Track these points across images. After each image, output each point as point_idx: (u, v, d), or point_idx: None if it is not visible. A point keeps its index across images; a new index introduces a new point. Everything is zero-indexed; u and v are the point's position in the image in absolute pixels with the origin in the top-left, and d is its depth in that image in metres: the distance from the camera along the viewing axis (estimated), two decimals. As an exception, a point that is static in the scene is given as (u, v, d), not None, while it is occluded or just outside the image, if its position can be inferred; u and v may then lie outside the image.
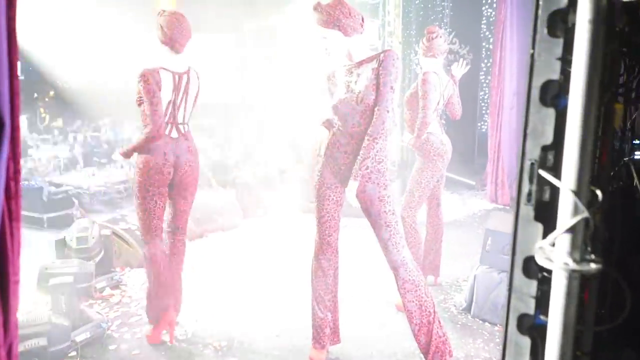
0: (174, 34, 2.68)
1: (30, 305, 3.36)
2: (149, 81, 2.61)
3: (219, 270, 4.24)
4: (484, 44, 9.35)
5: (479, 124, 9.50)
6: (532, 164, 0.95)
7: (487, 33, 9.01)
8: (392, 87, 2.38)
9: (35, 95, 13.00)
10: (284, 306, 3.52)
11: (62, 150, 10.48)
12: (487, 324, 3.25)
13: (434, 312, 2.60)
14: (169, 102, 2.73)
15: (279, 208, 6.26)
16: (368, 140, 2.40)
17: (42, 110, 13.29)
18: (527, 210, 0.97)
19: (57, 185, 8.81)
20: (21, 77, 10.33)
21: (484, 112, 9.51)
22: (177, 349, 2.96)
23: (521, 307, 0.99)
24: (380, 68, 2.36)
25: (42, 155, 9.72)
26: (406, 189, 3.67)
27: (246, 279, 4.02)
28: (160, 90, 2.66)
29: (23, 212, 5.68)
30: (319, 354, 2.79)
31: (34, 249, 4.89)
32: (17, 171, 0.91)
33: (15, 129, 0.90)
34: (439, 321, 2.62)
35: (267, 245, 4.87)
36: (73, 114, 11.22)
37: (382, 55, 2.38)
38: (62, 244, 3.69)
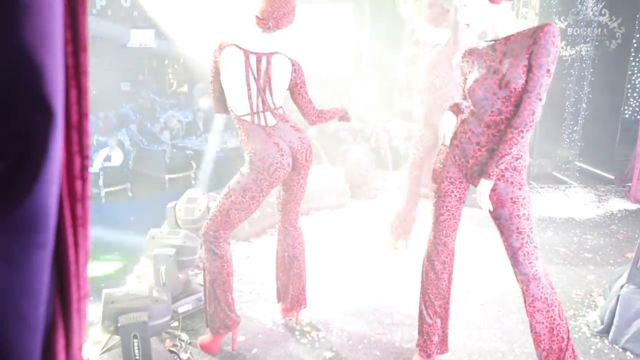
0: (276, 14, 2.35)
1: (140, 272, 3.48)
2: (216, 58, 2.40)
3: (323, 251, 4.09)
4: (639, 15, 8.05)
5: (623, 109, 8.31)
6: None
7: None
8: (548, 71, 1.93)
9: (166, 61, 13.84)
10: (391, 300, 3.27)
11: (186, 115, 11.09)
12: (629, 354, 2.73)
13: (568, 338, 2.19)
14: (248, 86, 2.41)
15: (390, 189, 5.96)
16: (512, 132, 1.99)
17: (170, 76, 14.17)
18: None
19: (179, 148, 9.36)
20: (153, 45, 11.02)
21: (629, 95, 8.31)
22: (273, 333, 2.87)
23: None
24: (536, 46, 1.92)
25: (168, 119, 10.37)
26: None
27: (350, 264, 3.83)
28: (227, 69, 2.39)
29: (149, 172, 5.96)
30: (424, 363, 2.52)
31: (154, 211, 5.17)
32: (84, 168, 0.74)
33: (83, 116, 0.72)
34: (573, 349, 2.21)
35: (374, 228, 4.63)
36: (197, 81, 11.78)
37: (539, 30, 1.93)
38: (173, 212, 3.76)
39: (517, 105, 2.00)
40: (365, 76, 9.85)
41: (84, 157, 0.73)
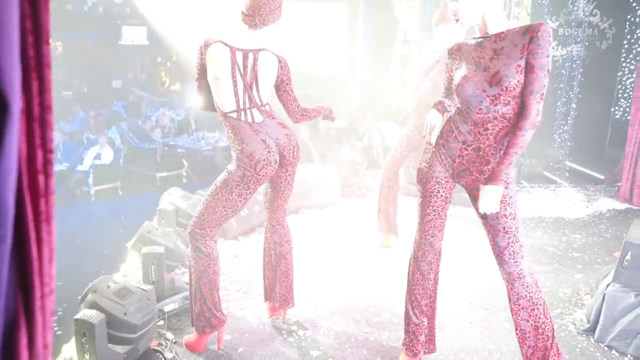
0: (262, 10, 2.34)
1: (126, 270, 3.45)
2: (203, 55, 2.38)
3: (312, 250, 4.08)
4: (629, 16, 8.09)
5: (613, 109, 8.36)
6: None
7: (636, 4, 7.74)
8: (548, 70, 1.92)
9: (159, 59, 13.75)
10: (379, 299, 3.26)
11: (178, 112, 11.03)
12: (614, 352, 2.74)
13: (553, 336, 2.19)
14: (234, 83, 2.39)
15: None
16: (522, 134, 1.95)
17: (163, 74, 14.08)
18: None
19: (171, 147, 9.31)
20: (146, 43, 10.93)
21: (620, 95, 8.37)
22: (259, 332, 2.85)
23: None
24: (534, 46, 1.90)
25: (159, 117, 10.31)
26: None
27: (339, 263, 3.83)
28: (216, 67, 2.36)
29: (140, 170, 5.92)
30: (410, 362, 2.51)
31: (144, 209, 5.13)
32: (48, 162, 0.72)
33: (45, 109, 0.70)
34: (558, 347, 2.21)
35: (364, 227, 4.62)
36: (190, 79, 11.73)
37: (533, 30, 1.91)
38: (173, 214, 3.72)
39: (506, 104, 1.99)
40: (359, 75, 9.84)
41: (47, 151, 0.72)
